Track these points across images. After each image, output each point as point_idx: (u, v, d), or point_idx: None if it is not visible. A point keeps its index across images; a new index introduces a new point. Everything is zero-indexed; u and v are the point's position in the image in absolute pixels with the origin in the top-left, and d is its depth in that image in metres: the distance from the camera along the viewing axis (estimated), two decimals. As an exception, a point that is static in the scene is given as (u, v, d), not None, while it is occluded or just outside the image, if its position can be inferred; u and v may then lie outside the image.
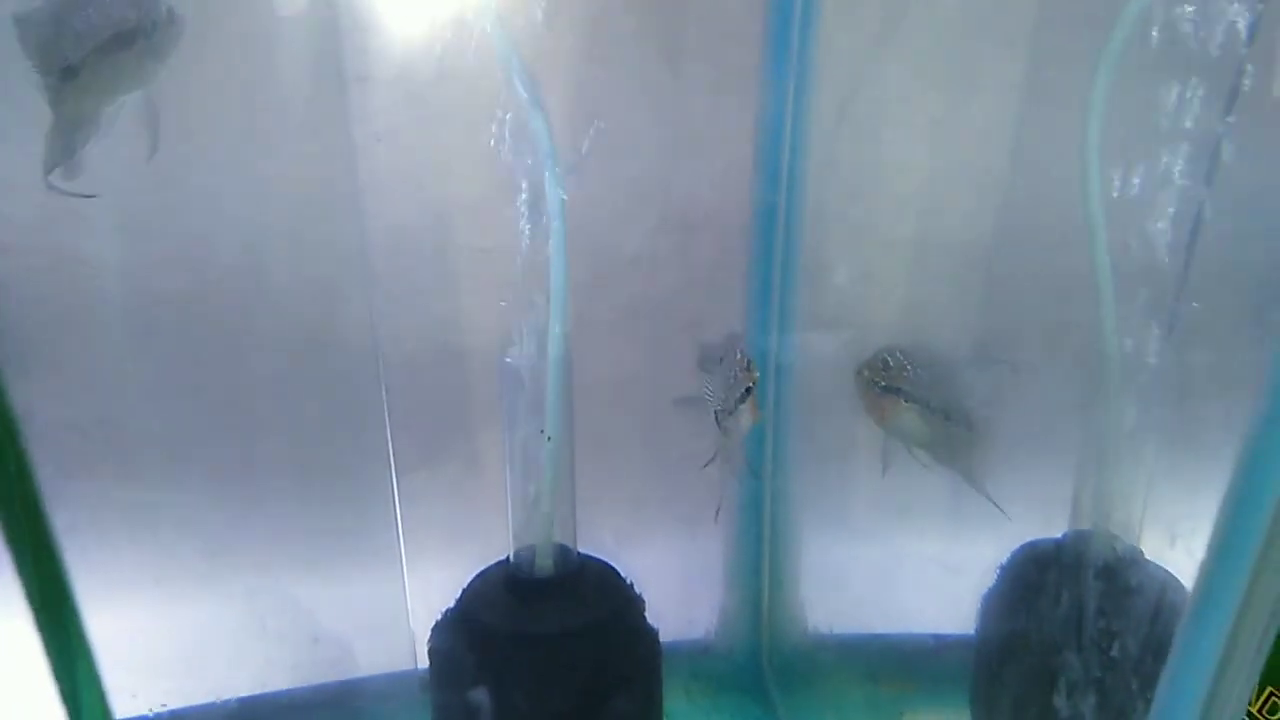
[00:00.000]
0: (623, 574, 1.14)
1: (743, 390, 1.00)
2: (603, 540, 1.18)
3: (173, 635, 1.34)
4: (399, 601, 1.41)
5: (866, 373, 1.12)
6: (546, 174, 1.01)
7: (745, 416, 1.01)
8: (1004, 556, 1.18)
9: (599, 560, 1.14)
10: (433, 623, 1.12)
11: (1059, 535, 1.12)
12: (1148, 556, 1.05)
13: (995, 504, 1.11)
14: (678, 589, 1.42)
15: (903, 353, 1.12)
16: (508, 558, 1.12)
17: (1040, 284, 1.27)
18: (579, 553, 1.12)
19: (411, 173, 1.29)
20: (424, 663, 1.13)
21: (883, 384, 1.11)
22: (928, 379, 1.11)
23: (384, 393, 1.33)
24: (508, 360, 1.06)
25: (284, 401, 1.35)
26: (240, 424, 1.34)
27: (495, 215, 1.10)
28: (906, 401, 1.10)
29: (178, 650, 1.33)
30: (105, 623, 1.18)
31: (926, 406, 1.10)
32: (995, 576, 1.17)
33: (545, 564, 1.09)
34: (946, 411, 1.10)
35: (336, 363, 1.34)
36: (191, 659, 1.34)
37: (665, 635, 1.15)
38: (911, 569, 1.35)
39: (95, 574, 1.18)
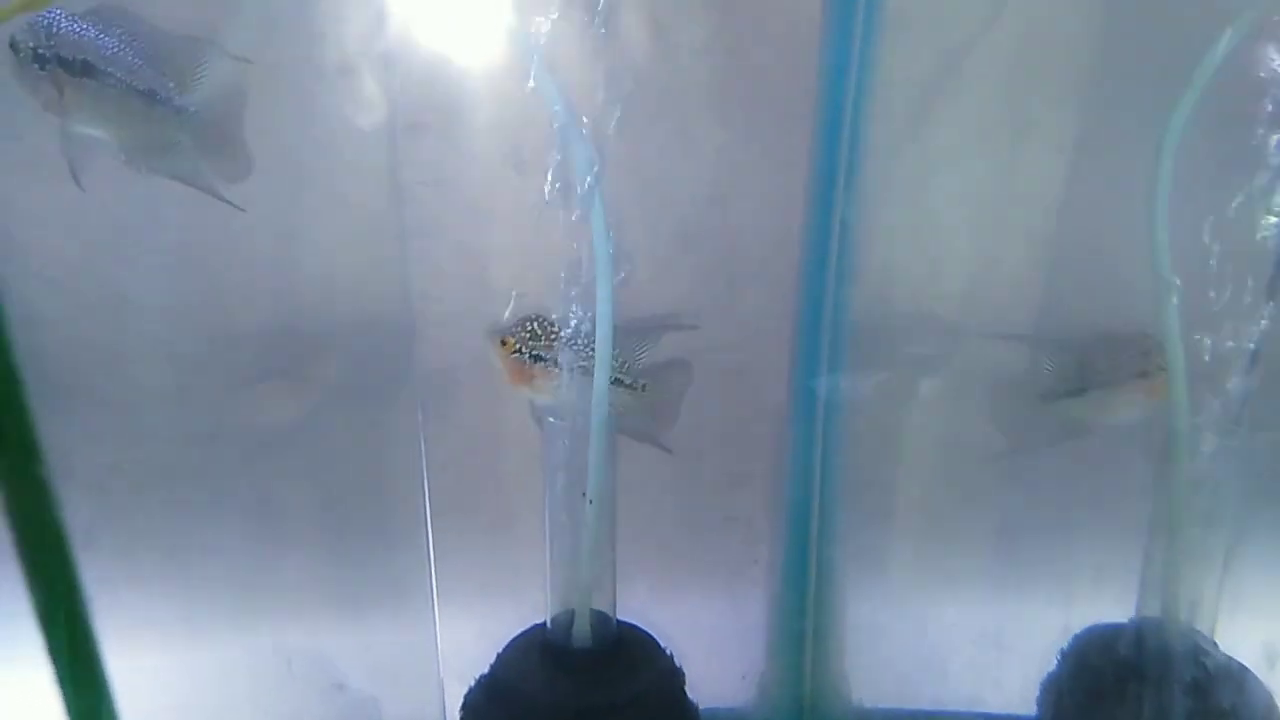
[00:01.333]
0: (662, 643, 1.09)
1: None
2: (637, 591, 1.15)
3: (198, 679, 1.32)
4: (430, 653, 1.38)
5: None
6: (594, 226, 0.99)
7: None
8: (1059, 634, 1.13)
9: (638, 629, 1.10)
10: (466, 684, 1.09)
11: (1125, 620, 1.06)
12: (1222, 650, 0.98)
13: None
14: (715, 652, 1.38)
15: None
16: (545, 623, 1.08)
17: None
18: (618, 620, 1.08)
19: (456, 219, 1.27)
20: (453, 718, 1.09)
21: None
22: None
23: (422, 442, 1.30)
24: (550, 420, 1.03)
25: (320, 445, 1.33)
26: (275, 467, 1.32)
27: (539, 264, 1.07)
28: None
29: (202, 694, 1.31)
30: (130, 665, 1.16)
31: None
32: (1056, 661, 1.11)
33: (583, 632, 1.05)
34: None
35: (374, 409, 1.32)
36: (217, 704, 1.32)
37: (701, 701, 1.11)
38: (960, 642, 1.30)
39: (122, 614, 1.16)
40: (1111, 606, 1.12)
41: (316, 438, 1.33)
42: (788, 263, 1.35)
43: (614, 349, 1.05)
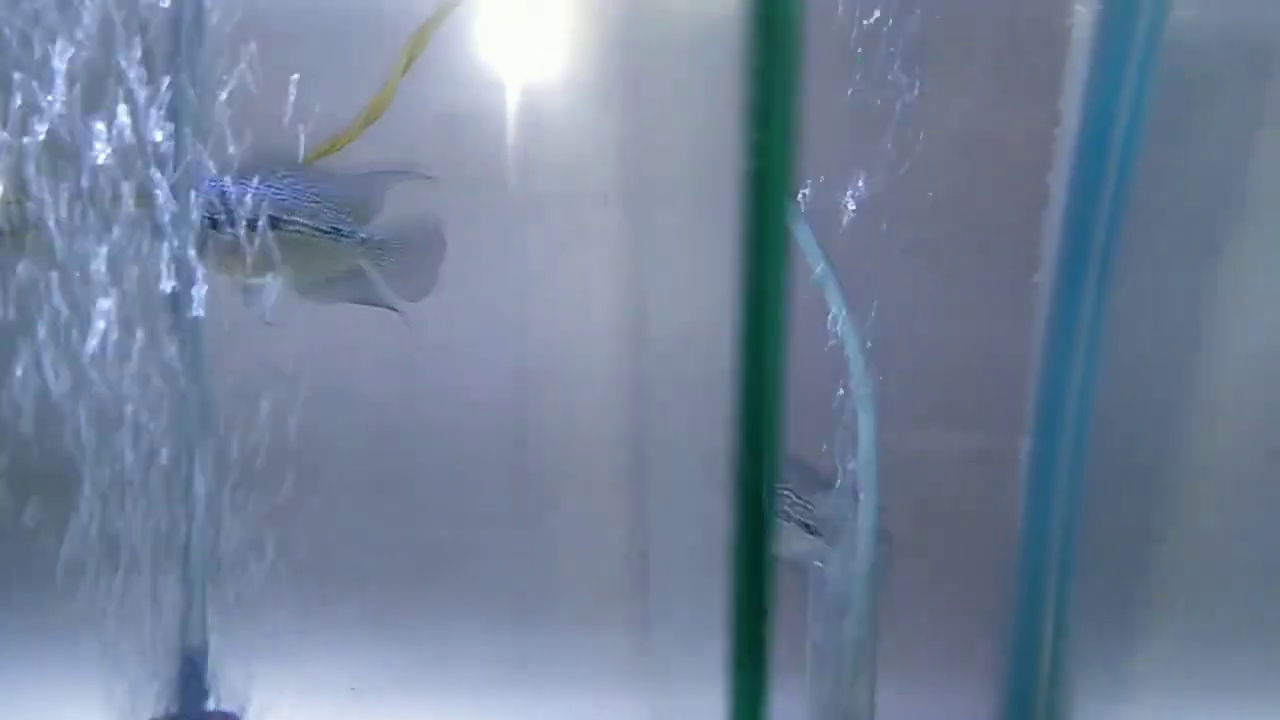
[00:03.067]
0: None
1: None
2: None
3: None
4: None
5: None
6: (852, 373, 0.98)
7: None
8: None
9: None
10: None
11: None
12: None
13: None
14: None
15: None
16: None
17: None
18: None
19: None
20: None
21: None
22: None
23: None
24: (817, 564, 1.02)
25: (528, 548, 1.32)
26: (463, 570, 1.31)
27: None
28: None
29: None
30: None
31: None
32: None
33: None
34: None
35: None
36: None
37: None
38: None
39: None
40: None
41: (524, 545, 1.32)
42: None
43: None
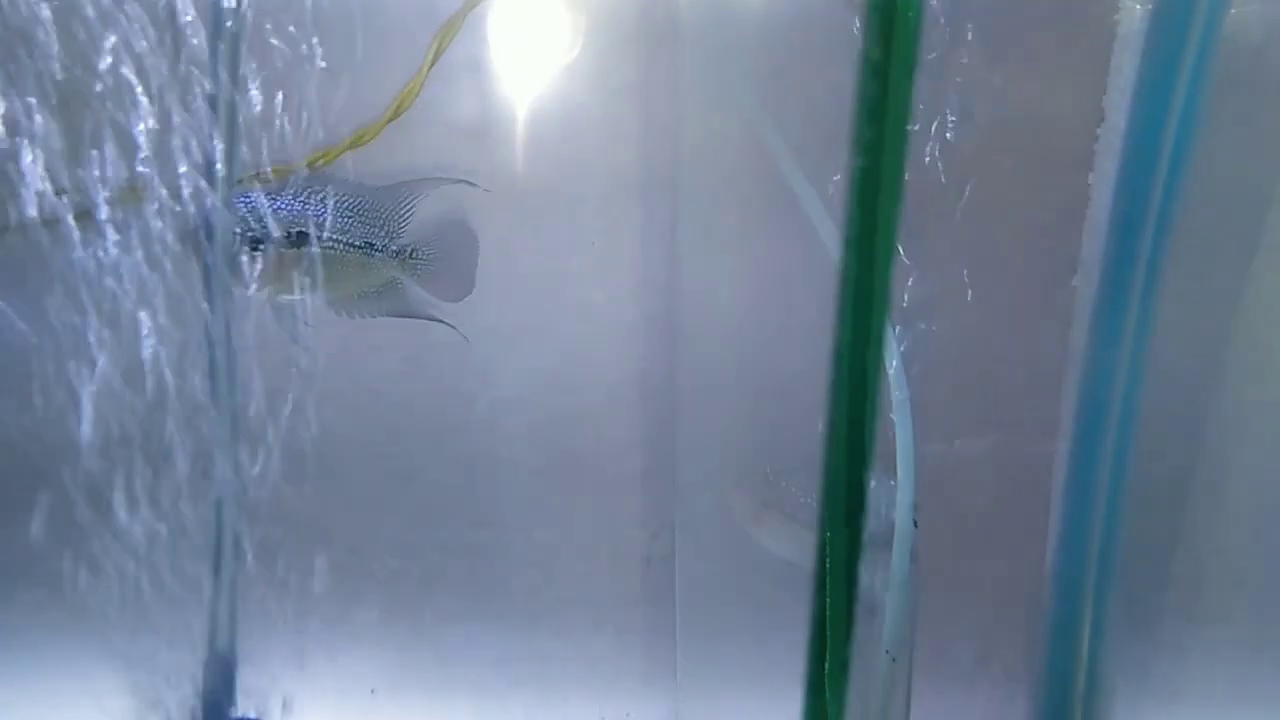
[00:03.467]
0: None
1: None
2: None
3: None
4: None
5: None
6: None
7: None
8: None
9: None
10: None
11: None
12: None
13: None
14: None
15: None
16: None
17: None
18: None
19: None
20: None
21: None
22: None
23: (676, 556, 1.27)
24: (854, 573, 0.99)
25: (549, 550, 1.31)
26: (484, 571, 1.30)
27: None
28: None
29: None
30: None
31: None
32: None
33: (873, 786, 1.01)
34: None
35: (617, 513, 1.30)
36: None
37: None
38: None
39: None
40: None
41: (549, 539, 1.31)
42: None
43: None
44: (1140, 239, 1.13)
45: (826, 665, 0.75)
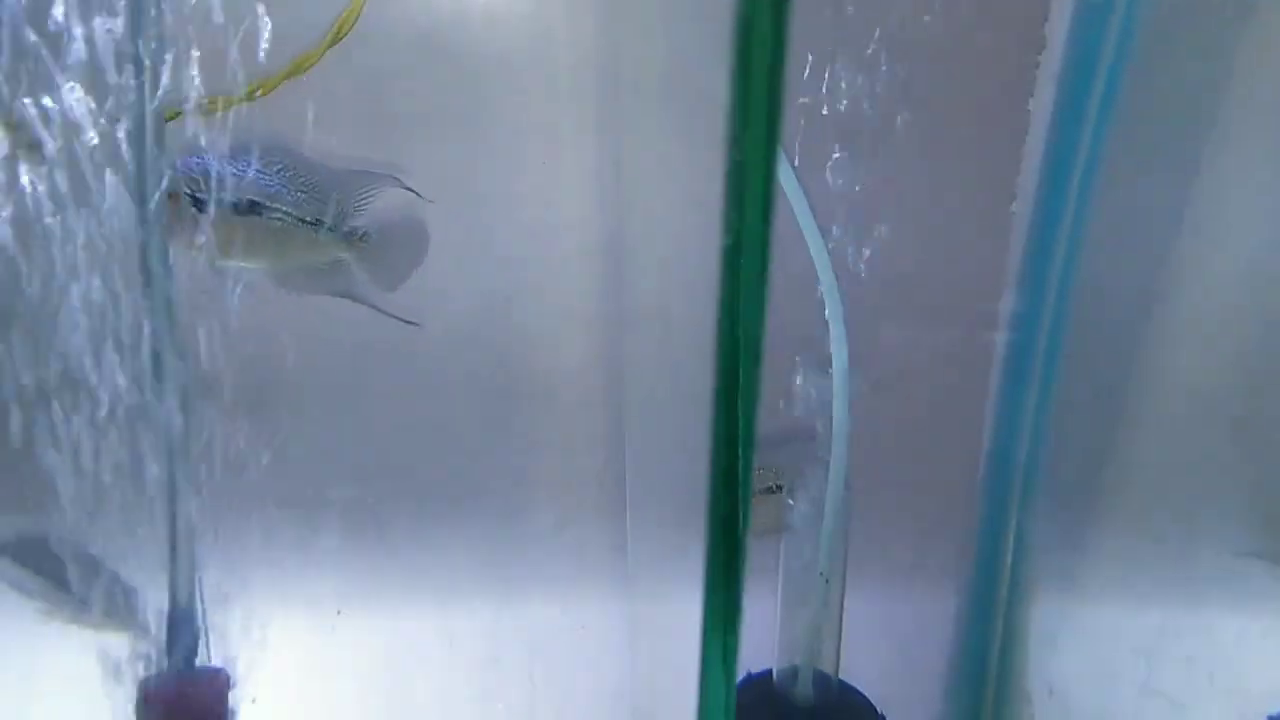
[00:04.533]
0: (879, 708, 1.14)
1: None
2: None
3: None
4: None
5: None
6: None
7: None
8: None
9: (856, 691, 1.14)
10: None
11: None
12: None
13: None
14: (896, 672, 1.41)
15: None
16: (769, 671, 1.12)
17: None
18: (839, 681, 1.12)
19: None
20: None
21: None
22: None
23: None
24: (789, 502, 1.05)
25: (520, 456, 1.34)
26: (442, 489, 1.34)
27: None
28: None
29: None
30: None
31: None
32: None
33: (806, 692, 1.09)
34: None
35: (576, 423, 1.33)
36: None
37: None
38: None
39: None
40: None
41: (519, 449, 1.35)
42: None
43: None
44: (1075, 157, 1.16)
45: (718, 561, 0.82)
